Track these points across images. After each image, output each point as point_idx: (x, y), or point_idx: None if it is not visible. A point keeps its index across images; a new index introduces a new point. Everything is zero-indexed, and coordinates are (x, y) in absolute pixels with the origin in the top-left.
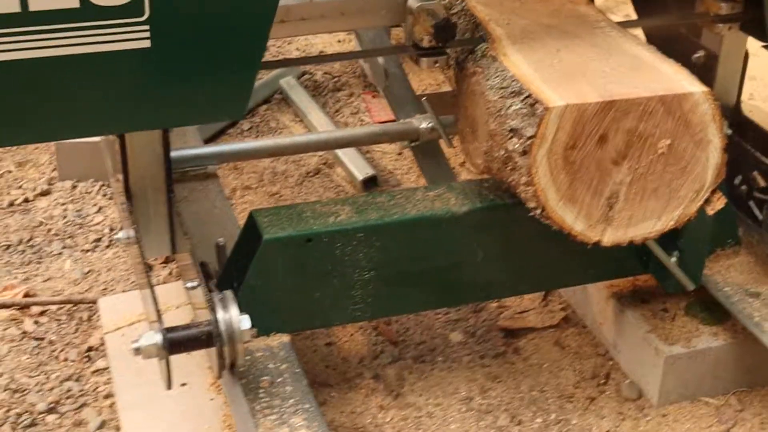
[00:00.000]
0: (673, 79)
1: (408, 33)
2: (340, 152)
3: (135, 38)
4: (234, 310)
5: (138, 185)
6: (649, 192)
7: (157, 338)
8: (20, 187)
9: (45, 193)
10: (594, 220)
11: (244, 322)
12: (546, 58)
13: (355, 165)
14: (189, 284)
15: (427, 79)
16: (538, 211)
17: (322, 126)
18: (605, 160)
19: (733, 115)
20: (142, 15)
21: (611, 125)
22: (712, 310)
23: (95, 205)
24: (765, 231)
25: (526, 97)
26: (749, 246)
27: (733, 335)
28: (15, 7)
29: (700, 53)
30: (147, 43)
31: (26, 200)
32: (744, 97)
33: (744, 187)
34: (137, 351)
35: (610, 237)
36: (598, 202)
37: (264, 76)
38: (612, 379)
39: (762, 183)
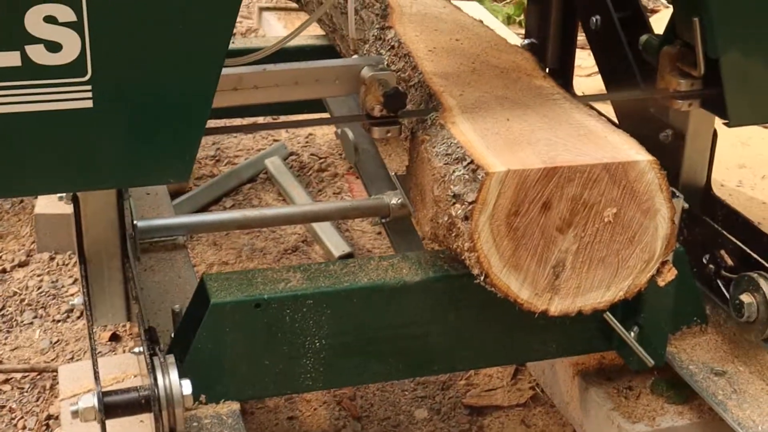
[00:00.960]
0: (620, 148)
1: (361, 102)
2: (318, 229)
3: (77, 98)
4: (174, 375)
5: (92, 250)
6: (597, 261)
7: (94, 401)
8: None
9: (23, 264)
10: (540, 289)
11: (185, 387)
12: (494, 127)
13: (332, 242)
14: (135, 350)
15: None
16: (482, 278)
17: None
18: (550, 227)
19: (703, 195)
20: (84, 75)
21: (555, 192)
22: (679, 388)
23: (71, 276)
24: (732, 310)
25: (469, 163)
26: (716, 325)
27: (699, 414)
28: None
29: (668, 132)
30: (89, 103)
31: (3, 271)
32: (732, 184)
33: (712, 266)
34: (75, 414)
35: (557, 306)
36: (543, 270)
37: (250, 156)
38: None
39: (729, 262)
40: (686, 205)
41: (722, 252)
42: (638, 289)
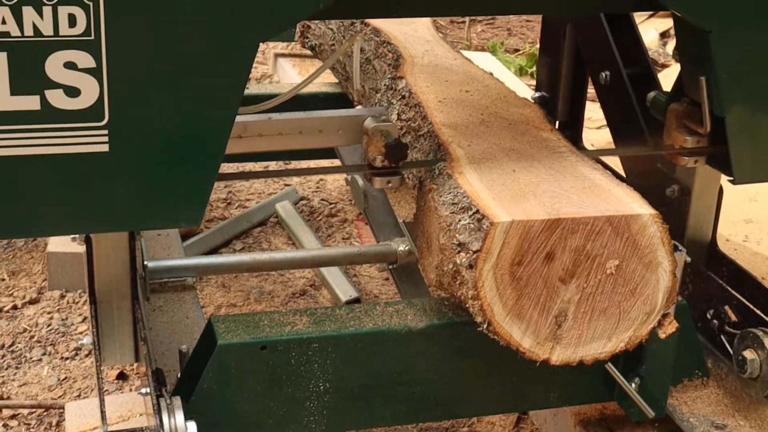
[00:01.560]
0: (623, 201)
1: (364, 152)
2: (325, 274)
3: (94, 142)
4: (179, 417)
5: (103, 291)
6: (599, 312)
7: None
8: (11, 294)
9: (33, 302)
10: (542, 338)
11: (190, 429)
12: (500, 178)
13: (339, 287)
14: (142, 390)
15: None
16: (485, 326)
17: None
18: (553, 277)
19: (708, 250)
20: (101, 120)
21: (558, 243)
22: None
23: (80, 314)
24: (735, 365)
25: (475, 212)
26: (718, 378)
27: None
28: None
29: (674, 187)
30: (105, 148)
31: (15, 307)
32: (738, 239)
33: (716, 321)
34: None
35: (559, 356)
36: (545, 320)
37: (261, 200)
38: None
39: (733, 318)
40: (688, 259)
41: (726, 308)
42: (639, 340)
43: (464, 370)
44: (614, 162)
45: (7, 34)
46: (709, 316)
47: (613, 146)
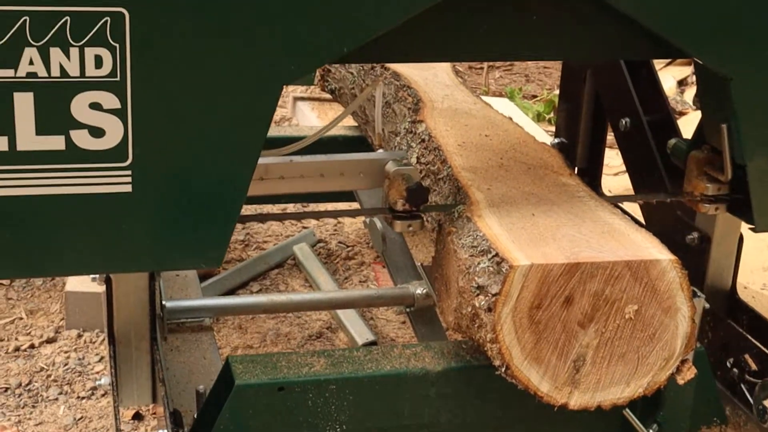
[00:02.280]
0: (642, 246)
1: (384, 196)
2: (342, 317)
3: (117, 182)
4: None
5: (122, 331)
6: (617, 357)
7: None
8: (28, 333)
9: (51, 341)
10: (560, 382)
11: None
12: (519, 221)
13: (356, 330)
14: None
15: None
16: (503, 370)
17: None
18: (571, 321)
19: (728, 298)
20: (125, 160)
21: (577, 287)
22: None
23: (97, 354)
24: (756, 415)
25: (494, 255)
26: (736, 426)
27: None
28: (3, 146)
29: (694, 235)
30: (128, 188)
31: (32, 346)
32: (756, 287)
33: (735, 370)
34: None
35: (577, 400)
36: (564, 364)
37: (279, 242)
38: None
39: (753, 366)
40: (707, 305)
41: (746, 356)
42: (658, 386)
43: (482, 413)
44: (634, 209)
45: (34, 74)
46: (728, 364)
47: (632, 193)
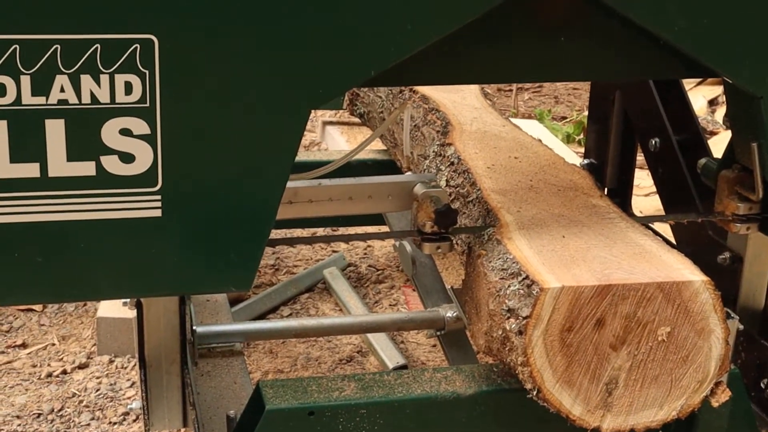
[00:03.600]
0: (674, 267)
1: (413, 218)
2: (372, 340)
3: (147, 207)
4: None
5: (153, 355)
6: (650, 379)
7: None
8: (61, 359)
9: (83, 366)
10: (593, 405)
11: None
12: (549, 244)
13: (386, 354)
14: None
15: None
16: (535, 393)
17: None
18: (603, 344)
19: (761, 318)
20: (155, 185)
21: (609, 309)
22: None
23: (129, 379)
24: None
25: (524, 278)
26: None
27: None
28: (35, 173)
29: (726, 255)
30: (158, 213)
31: (64, 372)
32: None
33: None
34: None
35: (609, 424)
36: (596, 387)
37: (309, 266)
38: None
39: None
40: (741, 327)
41: None
42: (692, 409)
43: None
44: (665, 229)
45: (65, 101)
46: (762, 385)
47: (662, 213)
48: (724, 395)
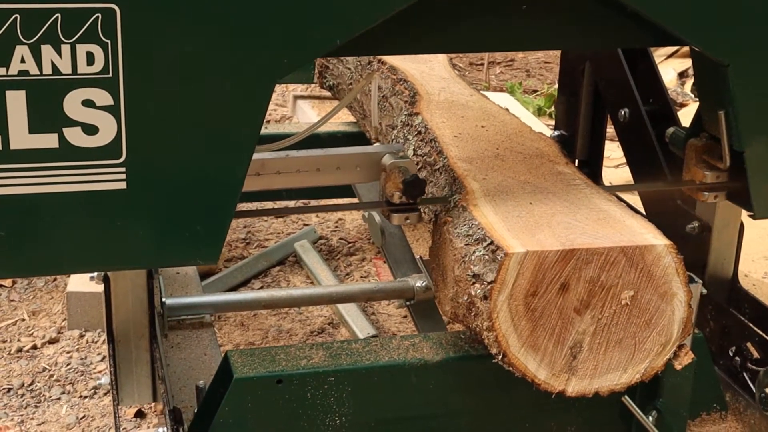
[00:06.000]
0: (637, 232)
1: (381, 189)
2: (344, 312)
3: (111, 179)
4: None
5: (121, 330)
6: (614, 343)
7: None
8: (31, 334)
9: (53, 341)
10: (557, 369)
11: None
12: (515, 210)
13: (357, 325)
14: (159, 430)
15: None
16: (500, 358)
17: None
18: (567, 308)
19: (729, 287)
20: (119, 157)
21: (573, 274)
22: None
23: (99, 353)
24: (759, 403)
25: (489, 243)
26: (736, 412)
27: None
28: None
29: (694, 224)
30: (123, 185)
31: (34, 347)
32: (757, 275)
33: (738, 359)
34: None
35: (574, 387)
36: (561, 351)
37: (280, 239)
38: None
39: (756, 354)
40: (705, 291)
41: (748, 344)
42: (655, 372)
43: (480, 403)
44: (635, 201)
45: (26, 72)
46: (731, 352)
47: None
48: (687, 358)
